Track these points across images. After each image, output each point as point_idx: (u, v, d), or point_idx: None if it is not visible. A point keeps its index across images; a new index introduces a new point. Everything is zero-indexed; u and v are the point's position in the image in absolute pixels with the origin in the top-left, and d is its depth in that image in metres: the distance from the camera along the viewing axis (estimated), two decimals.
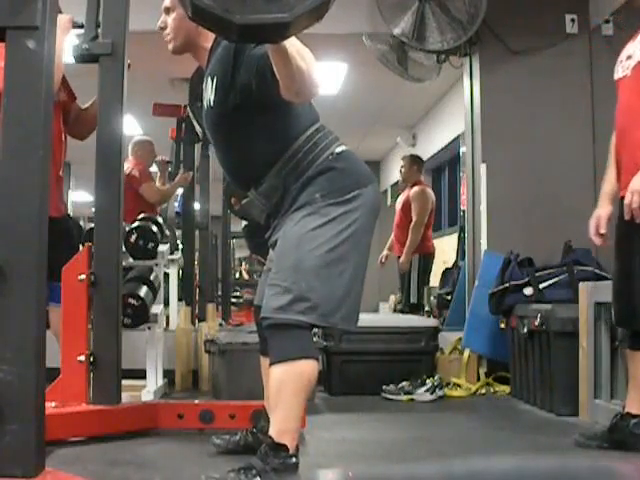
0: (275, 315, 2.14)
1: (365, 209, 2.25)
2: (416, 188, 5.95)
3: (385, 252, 6.31)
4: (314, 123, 2.30)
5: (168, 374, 4.19)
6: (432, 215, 6.05)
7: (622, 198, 2.65)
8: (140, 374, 3.76)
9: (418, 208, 5.84)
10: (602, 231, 2.52)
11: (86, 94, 3.16)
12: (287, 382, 2.12)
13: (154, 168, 5.60)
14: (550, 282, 3.83)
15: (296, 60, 1.90)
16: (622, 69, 2.71)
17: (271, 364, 2.16)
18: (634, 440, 2.59)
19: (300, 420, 2.19)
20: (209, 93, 2.28)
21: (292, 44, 1.85)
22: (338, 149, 2.29)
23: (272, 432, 2.14)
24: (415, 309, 5.86)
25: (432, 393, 3.97)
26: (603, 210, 2.64)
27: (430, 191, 6.12)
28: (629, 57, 2.68)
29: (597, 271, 3.83)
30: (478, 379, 4.28)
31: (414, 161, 6.10)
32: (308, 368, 2.14)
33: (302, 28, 1.75)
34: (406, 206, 5.97)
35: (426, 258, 6.03)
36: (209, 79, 2.28)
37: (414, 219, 5.82)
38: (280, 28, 1.69)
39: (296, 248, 2.18)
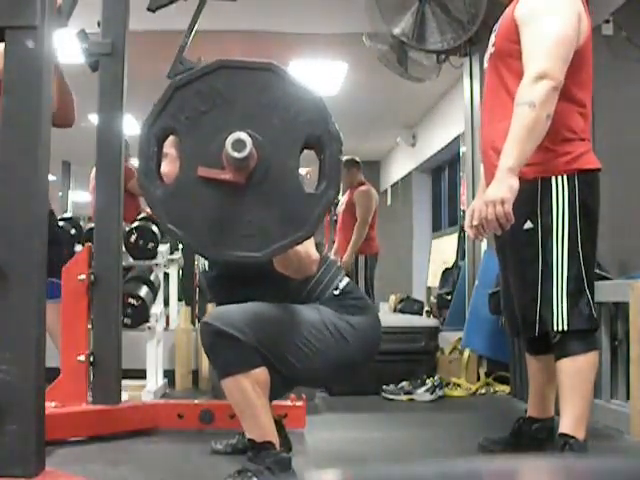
0: (223, 327, 2.08)
1: (359, 337, 2.23)
2: (360, 188, 6.04)
3: None
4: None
5: (168, 374, 4.18)
6: (376, 215, 6.11)
7: None
8: (140, 374, 3.75)
9: (362, 208, 5.95)
10: (475, 223, 2.34)
11: (86, 94, 3.16)
12: (245, 393, 2.09)
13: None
14: None
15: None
16: (485, 61, 2.57)
17: (220, 378, 2.13)
18: (536, 444, 2.58)
19: (271, 418, 2.18)
20: (203, 259, 2.31)
21: None
22: (341, 284, 2.28)
23: (252, 436, 2.15)
24: None
25: (432, 393, 3.97)
26: (478, 203, 2.42)
27: (374, 191, 6.21)
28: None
29: (597, 271, 3.81)
30: (478, 379, 4.28)
31: (352, 164, 6.15)
32: (259, 376, 2.10)
33: (276, 255, 1.80)
34: (349, 207, 6.06)
35: (372, 258, 6.10)
36: None
37: (359, 219, 5.93)
38: (253, 261, 1.74)
39: (279, 313, 2.17)
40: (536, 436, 2.60)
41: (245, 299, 2.19)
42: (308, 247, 1.98)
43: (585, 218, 2.38)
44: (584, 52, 2.37)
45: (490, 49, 2.51)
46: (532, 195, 2.35)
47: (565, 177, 2.35)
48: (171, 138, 1.82)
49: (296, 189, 1.70)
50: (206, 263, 2.32)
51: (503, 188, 2.21)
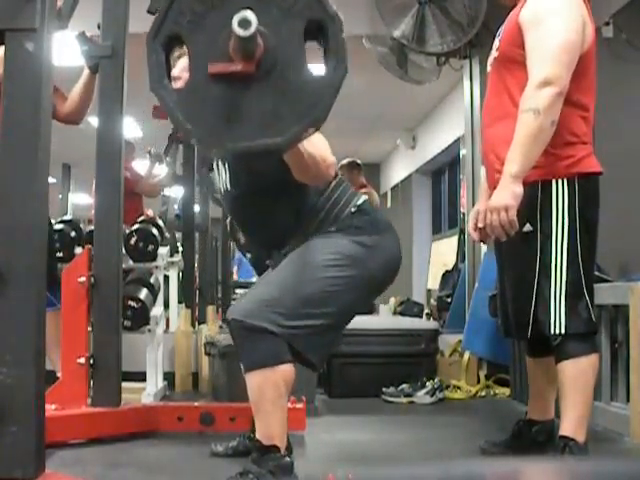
0: (246, 319, 2.09)
1: (378, 256, 2.25)
2: (361, 191, 6.07)
3: None
4: (333, 178, 2.27)
5: (168, 376, 4.18)
6: None
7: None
8: (140, 376, 3.75)
9: None
10: (480, 225, 2.34)
11: None
12: (266, 390, 2.10)
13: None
14: None
15: (307, 150, 1.91)
16: (489, 65, 2.55)
17: (246, 371, 2.13)
18: (536, 446, 2.57)
19: (285, 422, 2.17)
20: (223, 176, 2.31)
21: None
22: (359, 201, 2.30)
23: (259, 436, 2.14)
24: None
25: (432, 395, 3.97)
26: (481, 205, 2.42)
27: (375, 194, 6.27)
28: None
29: (597, 273, 3.81)
30: (478, 381, 4.28)
31: (352, 166, 6.18)
32: (286, 373, 2.11)
33: (297, 143, 1.78)
34: None
35: None
36: (220, 162, 2.32)
37: None
38: (273, 150, 1.72)
39: (297, 271, 2.18)
40: (536, 438, 2.60)
41: (265, 221, 2.26)
42: (323, 151, 1.99)
43: (585, 222, 2.37)
44: (588, 57, 2.35)
45: (494, 53, 2.50)
46: (532, 198, 2.34)
47: (565, 180, 2.35)
48: (185, 62, 1.85)
49: (305, 74, 1.70)
50: (227, 182, 2.30)
51: (507, 195, 2.23)
